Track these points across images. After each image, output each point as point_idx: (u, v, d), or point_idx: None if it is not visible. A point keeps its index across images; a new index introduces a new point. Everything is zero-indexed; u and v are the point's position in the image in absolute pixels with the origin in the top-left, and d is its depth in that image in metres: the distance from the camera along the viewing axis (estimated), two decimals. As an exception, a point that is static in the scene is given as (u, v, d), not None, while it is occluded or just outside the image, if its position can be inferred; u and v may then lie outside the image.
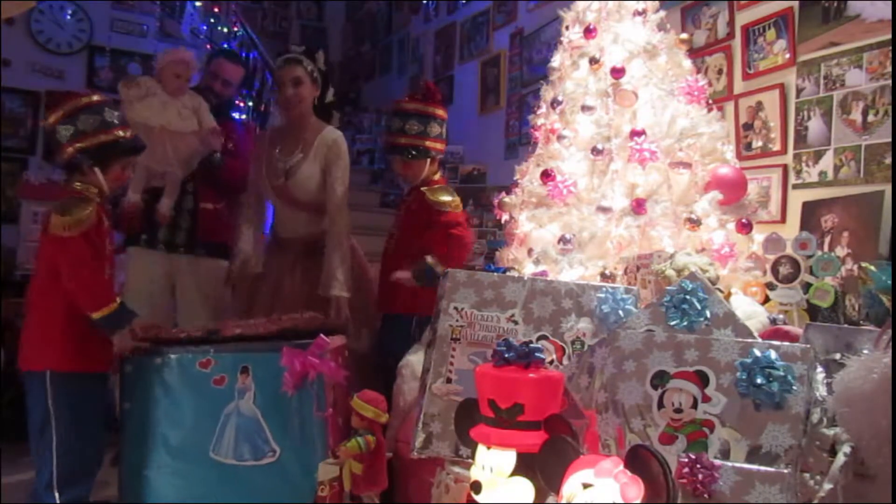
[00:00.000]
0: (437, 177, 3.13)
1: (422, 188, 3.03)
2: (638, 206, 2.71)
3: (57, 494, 2.37)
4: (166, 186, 3.32)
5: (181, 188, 3.38)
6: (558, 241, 2.79)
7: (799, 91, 3.09)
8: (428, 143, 3.04)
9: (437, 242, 2.90)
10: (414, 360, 2.60)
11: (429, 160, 3.07)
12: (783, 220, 3.11)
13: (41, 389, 2.40)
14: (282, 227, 3.30)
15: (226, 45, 6.45)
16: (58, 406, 2.40)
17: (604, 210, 2.76)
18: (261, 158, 3.25)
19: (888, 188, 2.66)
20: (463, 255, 2.92)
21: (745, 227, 2.74)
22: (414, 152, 3.02)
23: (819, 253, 2.50)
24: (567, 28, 3.23)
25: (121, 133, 2.49)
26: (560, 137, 2.99)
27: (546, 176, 2.91)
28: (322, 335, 2.48)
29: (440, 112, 3.09)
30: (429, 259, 2.85)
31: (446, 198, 3.00)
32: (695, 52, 3.44)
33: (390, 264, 3.05)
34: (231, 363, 2.58)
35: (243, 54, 6.64)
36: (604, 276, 2.59)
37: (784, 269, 2.52)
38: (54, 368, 2.41)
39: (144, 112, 3.25)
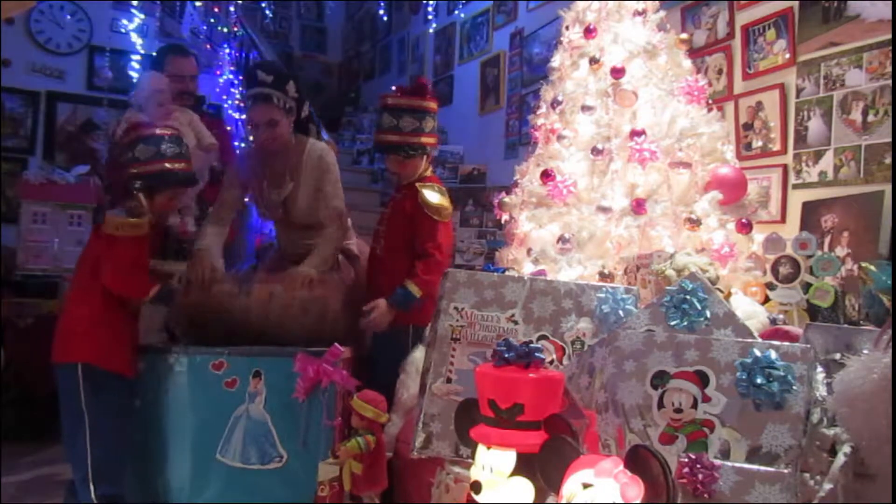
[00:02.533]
0: (429, 173, 3.04)
1: (416, 184, 2.93)
2: (638, 206, 2.71)
3: (92, 488, 2.39)
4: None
5: None
6: (557, 241, 2.79)
7: (799, 91, 3.09)
8: (424, 140, 2.95)
9: (419, 260, 2.81)
10: (419, 356, 2.60)
11: (425, 156, 3.00)
12: (783, 220, 3.11)
13: (74, 382, 2.42)
14: (287, 245, 3.21)
15: (224, 48, 6.46)
16: (90, 399, 2.42)
17: (604, 210, 2.76)
18: (245, 187, 3.11)
19: (888, 188, 2.66)
20: (438, 278, 2.79)
21: (745, 227, 2.74)
22: (411, 151, 2.93)
23: (819, 253, 2.50)
24: (567, 28, 3.23)
25: (170, 165, 2.65)
26: (560, 137, 2.99)
27: (546, 176, 2.91)
28: (336, 344, 2.50)
29: (434, 106, 3.01)
30: (408, 285, 2.77)
31: (439, 201, 2.89)
32: (695, 52, 3.44)
33: (379, 268, 2.97)
34: (244, 366, 2.59)
35: (243, 54, 6.65)
36: (602, 276, 2.59)
37: (784, 269, 2.52)
38: (90, 362, 2.44)
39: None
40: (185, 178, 2.75)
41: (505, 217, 3.19)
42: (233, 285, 2.78)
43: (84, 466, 2.40)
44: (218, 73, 6.70)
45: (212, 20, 6.67)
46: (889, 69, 2.71)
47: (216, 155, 3.45)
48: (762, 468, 1.41)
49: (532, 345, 1.54)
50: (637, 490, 1.22)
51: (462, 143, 6.02)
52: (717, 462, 1.40)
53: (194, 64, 3.79)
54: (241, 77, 5.23)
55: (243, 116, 5.63)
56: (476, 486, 1.46)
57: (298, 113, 3.01)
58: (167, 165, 2.65)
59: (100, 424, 2.43)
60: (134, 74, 6.43)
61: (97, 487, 2.39)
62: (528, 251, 2.91)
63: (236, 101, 6.17)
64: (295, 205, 3.00)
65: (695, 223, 2.65)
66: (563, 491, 1.33)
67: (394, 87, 3.11)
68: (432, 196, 2.89)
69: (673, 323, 1.77)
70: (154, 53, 4.37)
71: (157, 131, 2.71)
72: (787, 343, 1.64)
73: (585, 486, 1.28)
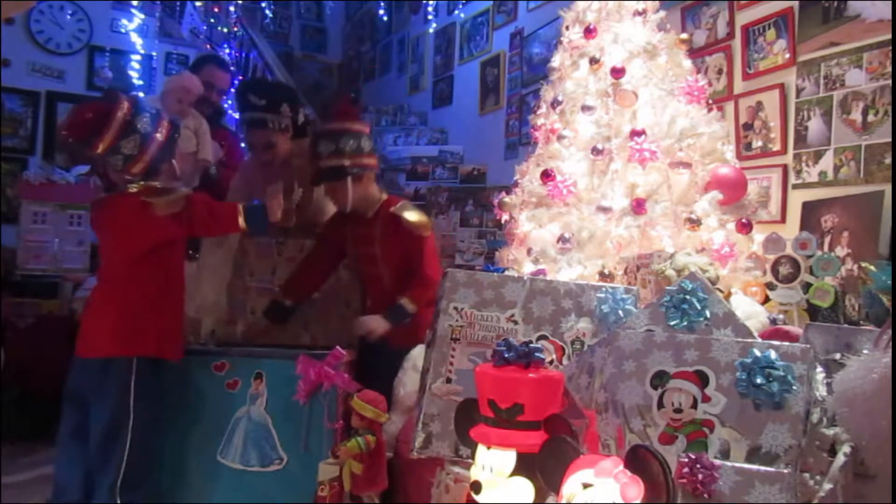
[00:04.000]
0: (385, 195, 2.97)
1: (391, 210, 2.86)
2: (638, 206, 2.71)
3: (118, 497, 2.32)
4: None
5: None
6: (557, 241, 2.79)
7: (799, 91, 3.09)
8: (366, 160, 2.86)
9: (414, 277, 2.79)
10: (416, 354, 2.60)
11: (351, 179, 2.83)
12: (783, 220, 3.11)
13: (126, 377, 2.35)
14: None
15: (225, 48, 6.46)
16: (139, 398, 2.36)
17: (604, 210, 2.76)
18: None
19: (888, 188, 2.66)
20: (432, 294, 2.65)
21: (745, 227, 2.74)
22: (359, 171, 2.82)
23: (819, 253, 2.50)
24: (567, 28, 3.23)
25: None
26: (560, 137, 2.99)
27: (546, 176, 2.91)
28: (338, 347, 2.50)
29: (354, 126, 2.87)
30: (403, 301, 2.75)
31: (419, 217, 2.87)
32: (695, 52, 3.44)
33: (381, 292, 2.91)
34: (246, 368, 2.59)
35: (243, 54, 6.65)
36: (602, 276, 2.59)
37: (784, 269, 2.52)
38: (144, 353, 2.38)
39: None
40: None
41: (505, 217, 3.19)
42: None
43: (116, 471, 2.32)
44: (218, 73, 6.70)
45: (212, 20, 6.68)
46: (889, 69, 2.71)
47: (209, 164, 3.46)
48: (762, 468, 1.41)
49: (532, 345, 1.54)
50: (637, 490, 1.22)
51: (462, 143, 6.02)
52: (717, 462, 1.40)
53: (227, 79, 3.84)
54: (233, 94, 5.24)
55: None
56: (476, 486, 1.46)
57: (295, 123, 3.04)
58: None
59: (142, 427, 2.36)
60: (134, 74, 6.46)
61: (124, 495, 2.33)
62: (529, 251, 2.90)
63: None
64: (309, 205, 3.03)
65: (695, 223, 2.65)
66: (563, 491, 1.33)
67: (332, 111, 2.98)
68: (413, 215, 2.86)
69: (673, 323, 1.77)
70: (195, 58, 4.44)
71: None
72: (787, 343, 1.63)
73: (585, 486, 1.28)
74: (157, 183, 2.56)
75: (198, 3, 6.68)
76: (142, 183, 2.52)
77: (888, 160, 2.69)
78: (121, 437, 2.34)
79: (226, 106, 4.32)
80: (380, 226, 2.89)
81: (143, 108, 2.53)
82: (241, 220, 2.60)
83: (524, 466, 1.45)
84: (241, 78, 6.46)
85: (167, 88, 3.53)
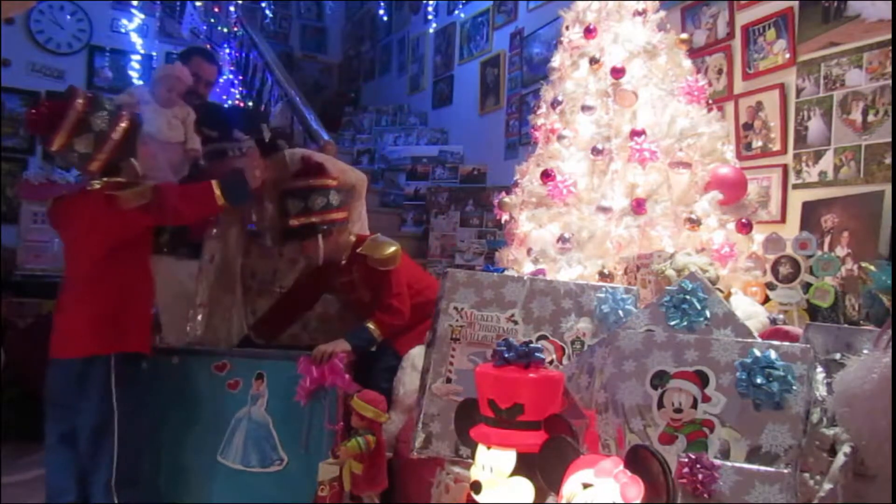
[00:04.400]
0: (353, 237, 2.94)
1: (358, 251, 2.85)
2: (638, 206, 2.71)
3: (115, 496, 2.30)
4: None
5: None
6: (557, 241, 2.79)
7: (799, 91, 3.09)
8: (336, 216, 2.84)
9: (381, 305, 2.75)
10: (416, 353, 2.60)
11: (335, 231, 2.84)
12: (783, 220, 3.11)
13: (105, 376, 2.33)
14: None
15: (225, 48, 6.45)
16: (122, 393, 2.34)
17: (604, 210, 2.76)
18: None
19: (888, 188, 2.66)
20: (402, 321, 2.73)
21: (745, 227, 2.74)
22: (330, 227, 2.81)
23: (819, 253, 2.50)
24: (567, 28, 3.23)
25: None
26: (560, 137, 2.99)
27: (546, 176, 2.91)
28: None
29: (321, 181, 2.85)
30: (369, 325, 2.70)
31: (387, 251, 2.81)
32: (695, 52, 3.44)
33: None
34: (247, 368, 2.58)
35: (243, 54, 6.65)
36: (602, 276, 2.59)
37: (784, 269, 2.52)
38: (122, 350, 2.36)
39: None
40: None
41: (505, 217, 3.19)
42: None
43: (108, 471, 2.31)
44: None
45: (212, 20, 6.68)
46: (889, 69, 2.71)
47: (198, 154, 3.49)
48: (762, 468, 1.41)
49: (532, 345, 1.54)
50: (637, 490, 1.22)
51: (462, 143, 6.02)
52: (717, 462, 1.40)
53: (215, 71, 3.87)
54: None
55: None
56: (476, 486, 1.47)
57: (260, 142, 3.07)
58: None
59: (128, 423, 2.34)
60: (134, 74, 6.46)
61: (120, 493, 2.31)
62: (529, 251, 2.91)
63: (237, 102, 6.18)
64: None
65: (695, 223, 2.65)
66: (563, 491, 1.33)
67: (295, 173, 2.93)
68: (379, 250, 2.82)
69: (673, 323, 1.77)
70: (182, 50, 4.48)
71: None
72: (787, 343, 1.64)
73: (585, 486, 1.28)
74: (121, 179, 2.49)
75: (198, 3, 6.68)
76: (104, 180, 2.47)
77: (888, 160, 2.69)
78: (108, 435, 2.33)
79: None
80: (353, 269, 2.88)
81: (101, 106, 2.47)
82: (217, 195, 2.52)
83: (524, 466, 1.46)
84: (241, 77, 6.48)
85: (157, 77, 3.54)
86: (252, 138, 3.12)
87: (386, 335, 2.72)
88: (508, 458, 1.47)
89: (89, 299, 2.41)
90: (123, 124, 2.49)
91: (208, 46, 6.51)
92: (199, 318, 2.93)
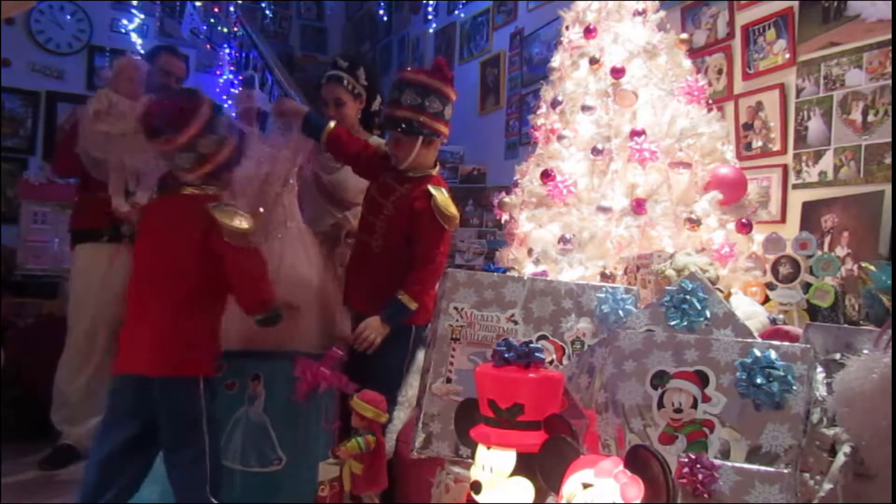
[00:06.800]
0: (436, 170, 2.75)
1: (428, 185, 2.64)
2: (638, 206, 2.71)
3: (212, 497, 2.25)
4: (140, 183, 3.31)
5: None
6: (558, 241, 2.79)
7: (799, 91, 3.09)
8: (442, 127, 2.65)
9: (420, 266, 2.61)
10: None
11: (421, 140, 2.63)
12: (783, 220, 3.11)
13: (195, 395, 2.24)
14: (311, 223, 3.10)
15: (224, 48, 6.44)
16: (210, 411, 2.27)
17: (604, 210, 2.77)
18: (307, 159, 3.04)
19: (888, 188, 2.66)
20: (433, 288, 2.54)
21: (745, 227, 2.75)
22: (432, 135, 2.63)
23: (819, 253, 2.50)
24: (567, 28, 3.23)
25: None
26: (560, 137, 2.99)
27: (546, 176, 2.91)
28: (335, 348, 2.48)
29: (445, 88, 2.65)
30: (403, 297, 2.58)
31: (453, 210, 2.63)
32: (695, 52, 3.44)
33: (373, 263, 2.73)
34: (244, 369, 2.58)
35: (243, 54, 6.65)
36: (604, 276, 2.60)
37: (784, 269, 2.52)
38: (207, 374, 2.28)
39: (110, 121, 3.27)
40: None
41: (505, 217, 3.19)
42: None
43: (203, 485, 2.22)
44: (218, 73, 6.71)
45: (212, 20, 6.68)
46: (889, 69, 2.71)
47: None
48: (762, 468, 1.41)
49: (532, 345, 1.54)
50: (637, 490, 1.22)
51: (462, 143, 6.01)
52: (717, 462, 1.40)
53: (183, 66, 3.81)
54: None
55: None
56: (476, 486, 1.47)
57: (369, 101, 3.14)
58: None
59: (213, 437, 2.28)
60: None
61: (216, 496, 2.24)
62: (529, 251, 2.90)
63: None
64: (338, 174, 3.10)
65: (695, 223, 2.65)
66: (563, 491, 1.33)
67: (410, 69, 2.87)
68: (447, 204, 2.62)
69: (673, 323, 1.77)
70: (148, 49, 4.47)
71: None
72: (787, 343, 1.64)
73: (585, 486, 1.28)
74: (212, 190, 2.37)
75: (198, 3, 6.68)
76: (202, 186, 2.35)
77: (888, 160, 2.69)
78: (199, 454, 2.23)
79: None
80: (406, 195, 2.68)
81: (222, 112, 2.44)
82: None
83: (524, 466, 1.45)
84: (240, 78, 6.48)
85: (116, 69, 3.46)
86: (364, 86, 3.14)
87: (418, 301, 2.58)
88: (508, 458, 1.47)
89: (177, 320, 2.25)
90: (237, 136, 2.42)
91: (208, 46, 6.52)
92: None
